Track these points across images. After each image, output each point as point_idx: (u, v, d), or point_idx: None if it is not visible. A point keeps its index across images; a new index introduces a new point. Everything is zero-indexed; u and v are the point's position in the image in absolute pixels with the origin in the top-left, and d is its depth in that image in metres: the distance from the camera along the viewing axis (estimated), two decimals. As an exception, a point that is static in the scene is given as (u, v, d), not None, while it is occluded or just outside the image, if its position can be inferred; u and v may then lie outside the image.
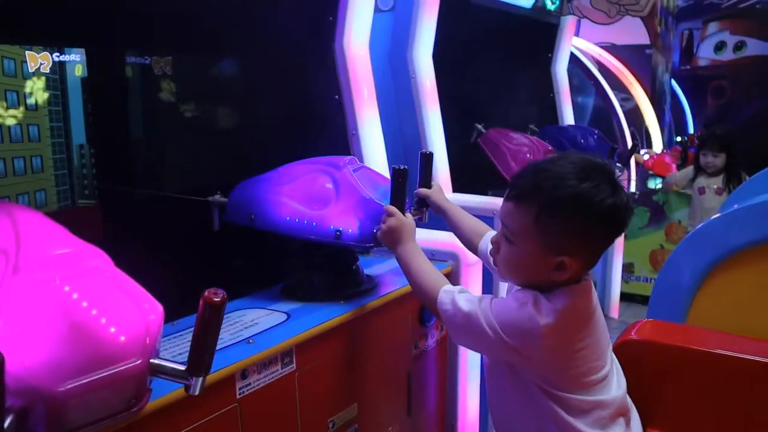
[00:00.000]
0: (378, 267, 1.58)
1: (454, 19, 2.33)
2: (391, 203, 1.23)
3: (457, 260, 1.61)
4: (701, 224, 1.95)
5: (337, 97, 1.71)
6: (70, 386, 0.70)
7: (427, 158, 1.41)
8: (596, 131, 3.05)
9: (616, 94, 4.67)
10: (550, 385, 1.03)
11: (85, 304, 0.74)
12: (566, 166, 1.01)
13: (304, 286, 1.36)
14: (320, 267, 1.37)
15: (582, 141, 2.91)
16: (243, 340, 1.11)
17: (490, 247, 1.30)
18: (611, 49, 5.08)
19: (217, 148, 1.53)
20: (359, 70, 1.70)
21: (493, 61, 2.83)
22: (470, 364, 1.69)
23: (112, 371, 0.73)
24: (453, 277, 1.62)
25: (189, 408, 0.95)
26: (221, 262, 1.42)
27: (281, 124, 1.63)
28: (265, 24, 1.53)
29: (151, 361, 0.78)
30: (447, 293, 1.08)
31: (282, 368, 1.12)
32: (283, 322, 1.21)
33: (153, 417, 0.89)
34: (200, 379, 0.80)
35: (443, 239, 1.61)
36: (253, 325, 1.18)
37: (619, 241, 3.54)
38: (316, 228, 1.28)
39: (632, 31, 5.07)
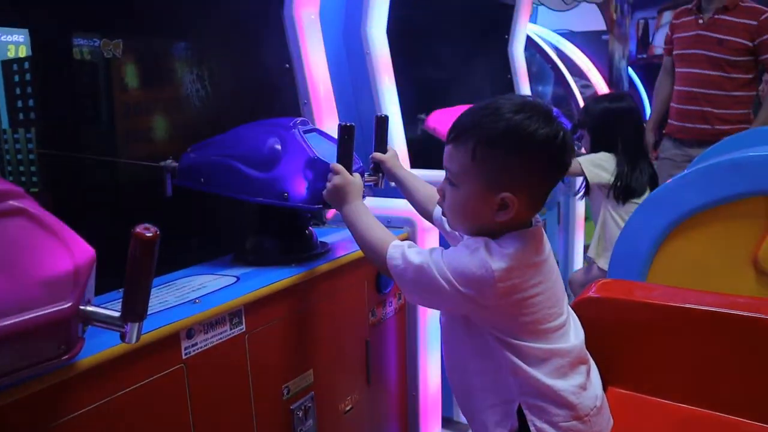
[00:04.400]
0: (334, 236, 1.55)
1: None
2: (338, 161, 1.20)
3: (413, 226, 1.60)
4: (656, 189, 1.97)
5: (287, 65, 1.67)
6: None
7: (382, 121, 1.39)
8: (554, 109, 3.06)
9: (575, 81, 4.72)
10: (505, 333, 1.01)
11: (6, 245, 0.70)
12: (502, 102, 0.99)
13: (255, 250, 1.33)
14: (271, 230, 1.34)
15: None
16: (189, 301, 1.07)
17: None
18: (568, 35, 5.14)
19: (169, 119, 1.48)
20: (310, 37, 1.67)
21: (449, 42, 2.82)
22: (430, 333, 1.67)
23: (38, 314, 0.69)
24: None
25: (131, 366, 0.91)
26: (174, 230, 1.37)
27: (232, 92, 1.59)
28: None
29: (81, 307, 0.74)
30: (396, 248, 1.06)
31: (231, 329, 1.09)
32: (232, 284, 1.17)
33: (91, 373, 0.85)
34: (136, 325, 0.76)
35: (398, 206, 1.59)
36: (200, 288, 1.14)
37: (580, 223, 3.56)
38: (264, 189, 1.25)
39: (589, 18, 5.16)
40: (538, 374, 1.01)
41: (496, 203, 0.98)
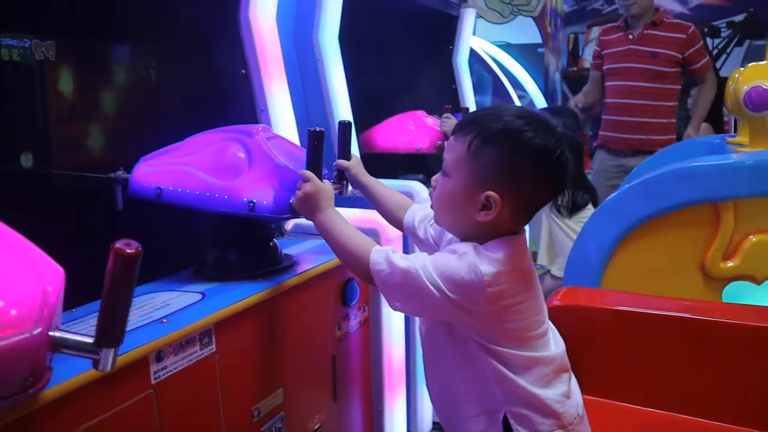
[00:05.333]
0: (295, 247, 1.50)
1: (361, 5, 2.29)
2: (307, 168, 1.16)
3: (377, 236, 1.56)
4: (607, 199, 2.02)
5: (243, 71, 1.61)
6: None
7: (346, 128, 1.35)
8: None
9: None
10: (490, 341, 0.99)
11: (-38, 265, 0.62)
12: (507, 108, 1.04)
13: (219, 264, 1.26)
14: (235, 243, 1.28)
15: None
16: (155, 320, 0.99)
17: (416, 218, 1.26)
18: (505, 47, 5.25)
19: (121, 127, 1.38)
20: (267, 42, 1.61)
21: (394, 51, 2.82)
22: (394, 346, 1.64)
23: (2, 343, 0.61)
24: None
25: (98, 395, 0.83)
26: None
27: (186, 99, 1.51)
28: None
29: (50, 333, 0.66)
30: (379, 252, 1.02)
31: (201, 350, 1.02)
32: (199, 301, 1.10)
33: (55, 406, 0.77)
34: (111, 351, 0.69)
35: (359, 216, 1.56)
36: (164, 306, 1.07)
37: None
38: (228, 200, 1.18)
39: (525, 31, 5.29)
40: (523, 382, 1.00)
41: (480, 201, 0.98)
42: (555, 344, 1.08)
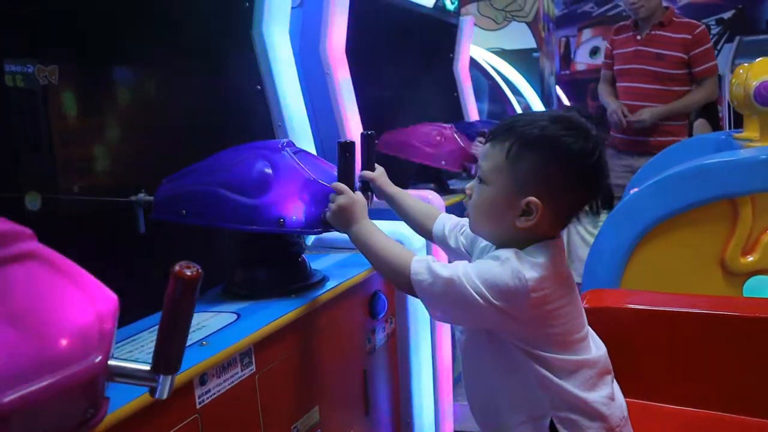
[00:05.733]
0: (319, 262, 1.48)
1: (362, 16, 2.29)
2: (339, 180, 1.15)
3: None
4: (624, 199, 2.02)
5: (259, 86, 1.60)
6: (10, 398, 0.55)
7: (370, 139, 1.34)
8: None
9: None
10: (534, 346, 0.99)
11: (20, 295, 0.60)
12: (541, 113, 1.06)
13: (249, 283, 1.24)
14: (264, 261, 1.26)
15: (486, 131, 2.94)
16: (194, 343, 0.97)
17: (446, 227, 1.26)
18: (500, 53, 5.27)
19: (135, 148, 1.37)
20: (281, 56, 1.61)
21: (400, 61, 2.82)
22: (422, 357, 1.62)
23: (63, 375, 0.59)
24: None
25: (144, 423, 0.81)
26: (149, 268, 1.27)
27: (202, 117, 1.50)
28: (177, 13, 1.41)
29: (109, 362, 0.64)
30: (420, 263, 1.01)
31: (242, 371, 1.00)
32: (234, 321, 1.08)
33: (105, 436, 0.75)
34: (169, 378, 0.67)
35: (384, 227, 1.54)
36: (200, 328, 1.05)
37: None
38: (257, 217, 1.17)
39: (519, 36, 5.31)
40: (569, 386, 0.99)
41: (520, 207, 0.98)
42: (596, 347, 1.07)
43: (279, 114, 1.61)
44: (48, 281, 0.63)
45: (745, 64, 2.40)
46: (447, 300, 0.99)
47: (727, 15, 6.59)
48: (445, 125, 2.40)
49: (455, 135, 2.34)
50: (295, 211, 1.16)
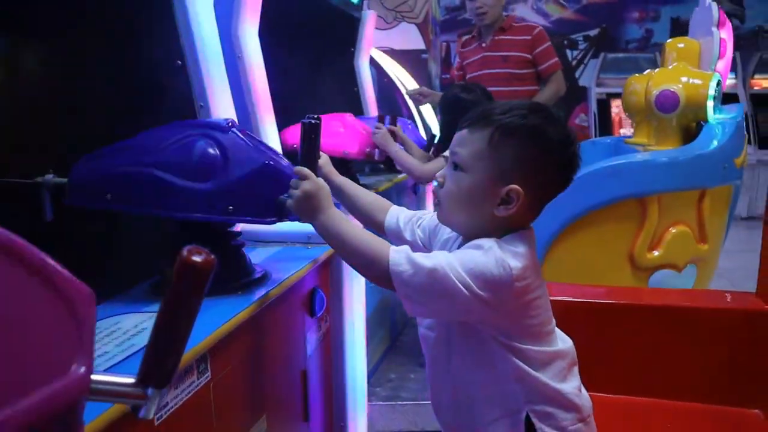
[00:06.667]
0: (251, 256, 1.35)
1: (264, 3, 2.15)
2: (302, 164, 1.04)
3: (339, 242, 1.45)
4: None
5: (179, 62, 1.43)
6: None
7: (315, 126, 1.24)
8: (409, 122, 3.10)
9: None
10: (512, 338, 0.96)
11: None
12: (516, 103, 1.00)
13: (187, 279, 1.09)
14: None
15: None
16: (140, 350, 0.82)
17: (400, 219, 1.19)
18: (390, 53, 5.29)
19: (39, 125, 1.16)
20: (205, 31, 1.45)
21: (303, 52, 2.71)
22: (357, 357, 1.54)
23: (42, 397, 0.45)
24: (335, 260, 1.46)
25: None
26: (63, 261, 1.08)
27: (113, 93, 1.31)
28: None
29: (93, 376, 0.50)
30: (399, 253, 0.94)
31: (198, 378, 0.86)
32: (180, 322, 0.94)
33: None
34: (159, 393, 0.54)
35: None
36: (140, 332, 0.90)
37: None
38: (202, 203, 1.03)
39: (408, 37, 5.37)
40: (545, 378, 0.98)
41: (500, 195, 0.95)
42: (562, 339, 1.06)
43: (202, 92, 1.45)
44: (8, 277, 0.48)
45: (637, 75, 2.57)
46: (428, 292, 0.92)
47: (593, 32, 7.12)
48: (344, 114, 2.33)
49: (355, 123, 2.28)
50: (247, 197, 1.03)
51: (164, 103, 1.43)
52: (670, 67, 2.39)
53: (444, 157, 2.41)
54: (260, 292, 1.10)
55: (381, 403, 2.36)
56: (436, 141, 2.57)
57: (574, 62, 7.23)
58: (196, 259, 0.51)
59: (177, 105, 1.44)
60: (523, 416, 0.98)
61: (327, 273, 1.45)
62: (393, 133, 2.37)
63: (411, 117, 4.50)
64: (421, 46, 5.38)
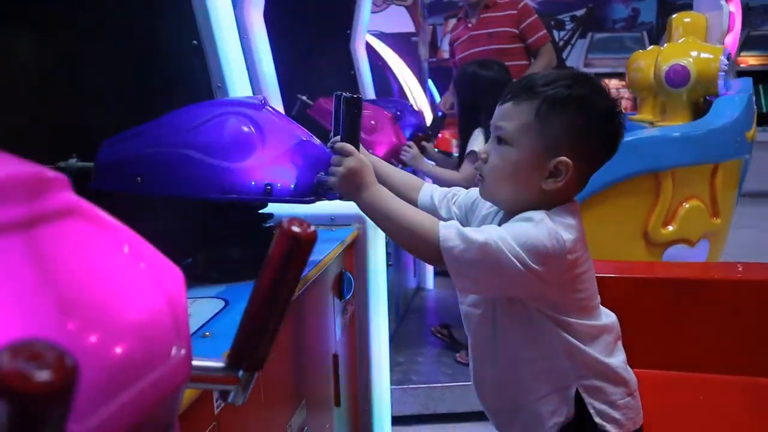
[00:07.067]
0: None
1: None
2: (344, 141, 1.01)
3: (363, 223, 1.42)
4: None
5: (195, 42, 1.38)
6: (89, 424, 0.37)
7: (357, 100, 1.20)
8: (408, 103, 3.07)
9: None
10: (562, 312, 0.95)
11: (66, 271, 0.41)
12: (558, 73, 0.99)
13: (219, 263, 1.05)
14: (236, 237, 1.08)
15: (398, 113, 2.88)
16: (194, 335, 0.79)
17: (435, 197, 1.17)
18: (381, 36, 5.24)
19: (57, 109, 1.11)
20: (220, 9, 1.40)
21: (299, 34, 2.66)
22: (382, 340, 1.51)
23: (147, 383, 0.41)
24: (360, 242, 1.43)
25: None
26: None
27: (132, 75, 1.26)
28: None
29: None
30: (449, 228, 0.91)
31: (249, 365, 0.83)
32: (225, 308, 0.91)
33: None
34: (253, 376, 0.52)
35: (339, 202, 1.42)
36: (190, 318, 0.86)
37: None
38: (238, 183, 0.99)
39: (398, 20, 5.31)
40: (594, 352, 0.97)
41: (548, 168, 0.93)
42: (605, 314, 1.05)
43: (219, 73, 1.40)
44: (99, 250, 0.45)
45: (642, 51, 2.55)
46: (480, 266, 0.90)
47: (579, 13, 7.11)
48: (383, 108, 2.25)
49: (391, 125, 2.19)
50: (285, 176, 1.00)
51: (180, 84, 1.39)
52: (678, 42, 2.38)
53: (473, 152, 2.35)
54: (295, 275, 1.07)
55: (392, 387, 2.35)
56: (448, 120, 2.49)
57: (561, 43, 7.22)
58: (297, 229, 0.47)
59: (194, 86, 1.40)
60: (572, 392, 0.97)
61: (352, 255, 1.42)
62: (423, 148, 2.31)
63: (405, 98, 4.47)
64: (411, 29, 5.33)
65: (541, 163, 0.94)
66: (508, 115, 0.96)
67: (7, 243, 0.38)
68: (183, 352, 0.45)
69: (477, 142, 2.38)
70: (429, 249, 0.92)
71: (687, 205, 1.96)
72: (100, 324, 0.41)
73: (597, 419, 0.97)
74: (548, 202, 0.95)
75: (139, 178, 1.00)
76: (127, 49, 1.26)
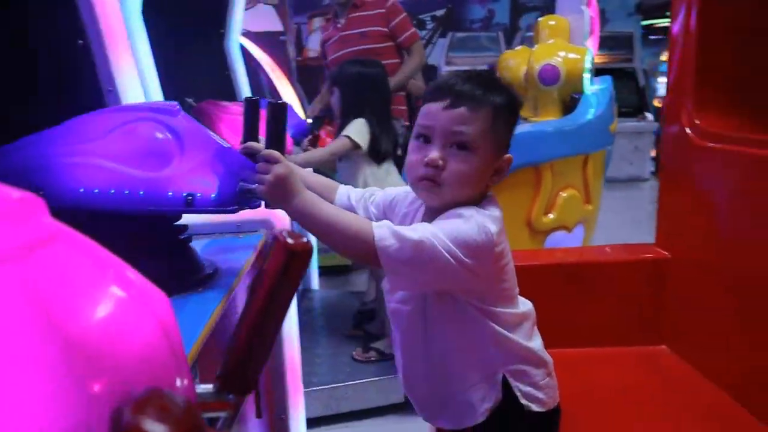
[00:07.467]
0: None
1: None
2: (270, 148, 0.98)
3: (271, 226, 1.40)
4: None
5: (81, 41, 1.27)
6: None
7: (254, 104, 1.17)
8: (288, 104, 3.03)
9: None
10: (489, 302, 1.01)
11: (60, 302, 0.38)
12: (469, 71, 1.03)
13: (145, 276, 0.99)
14: (152, 251, 1.01)
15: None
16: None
17: (351, 197, 1.18)
18: (249, 35, 5.11)
19: None
20: (108, 6, 1.30)
21: (172, 35, 2.54)
22: (295, 345, 1.49)
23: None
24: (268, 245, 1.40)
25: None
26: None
27: (12, 78, 1.14)
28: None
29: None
30: (382, 228, 0.93)
31: (195, 383, 0.79)
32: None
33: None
34: (242, 400, 0.50)
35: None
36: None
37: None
38: (156, 195, 0.93)
39: (266, 19, 5.22)
40: (518, 338, 1.03)
41: (494, 167, 1.00)
42: (522, 301, 1.12)
43: (109, 76, 1.30)
44: (88, 278, 0.41)
45: (511, 51, 2.72)
46: (415, 264, 0.93)
47: (439, 12, 7.40)
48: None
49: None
50: (206, 185, 0.95)
51: (67, 90, 1.28)
52: (547, 43, 2.57)
53: (346, 136, 2.37)
54: (221, 287, 1.03)
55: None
56: (330, 119, 2.52)
57: (423, 42, 7.47)
58: (292, 242, 0.46)
59: (82, 90, 1.29)
60: (500, 377, 1.03)
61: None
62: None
63: (278, 99, 4.40)
64: (279, 27, 5.26)
65: (494, 163, 1.00)
66: (466, 120, 0.97)
67: (5, 277, 0.35)
68: (185, 382, 0.43)
69: (354, 128, 2.38)
70: (364, 250, 0.92)
71: (564, 194, 2.13)
72: (99, 361, 0.39)
73: (523, 401, 1.03)
74: (482, 196, 1.01)
75: (41, 191, 0.91)
76: (6, 50, 1.14)
